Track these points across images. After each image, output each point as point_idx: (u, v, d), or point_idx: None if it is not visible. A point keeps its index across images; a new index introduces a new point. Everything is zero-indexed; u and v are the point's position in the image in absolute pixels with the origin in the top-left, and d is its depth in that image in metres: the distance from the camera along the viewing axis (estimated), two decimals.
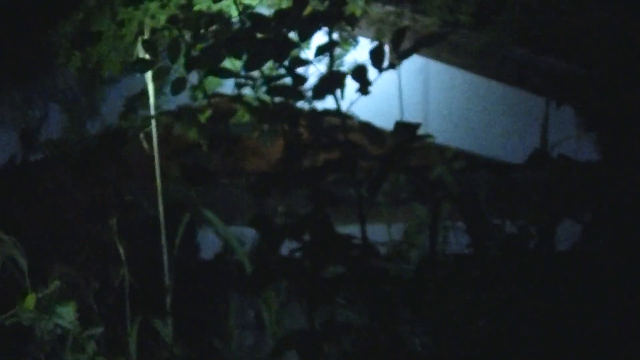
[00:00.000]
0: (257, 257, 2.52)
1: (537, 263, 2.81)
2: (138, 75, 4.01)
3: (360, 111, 2.59)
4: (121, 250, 3.90)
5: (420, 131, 4.52)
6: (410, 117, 5.38)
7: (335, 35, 3.16)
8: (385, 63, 2.50)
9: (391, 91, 5.77)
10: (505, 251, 2.80)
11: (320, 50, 2.54)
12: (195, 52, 2.45)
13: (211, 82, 3.50)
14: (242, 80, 2.44)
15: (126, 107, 4.25)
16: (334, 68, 2.53)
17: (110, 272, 3.88)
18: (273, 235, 2.43)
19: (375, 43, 2.54)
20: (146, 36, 3.67)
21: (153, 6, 3.68)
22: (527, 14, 4.17)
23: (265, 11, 2.77)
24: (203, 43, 2.46)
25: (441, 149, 3.73)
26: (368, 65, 2.51)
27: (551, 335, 2.62)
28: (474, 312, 2.71)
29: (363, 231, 2.53)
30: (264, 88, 2.42)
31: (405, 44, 2.58)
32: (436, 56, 4.86)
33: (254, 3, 3.50)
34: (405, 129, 2.39)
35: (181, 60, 2.52)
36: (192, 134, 3.23)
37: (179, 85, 2.57)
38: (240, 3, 2.90)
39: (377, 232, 3.15)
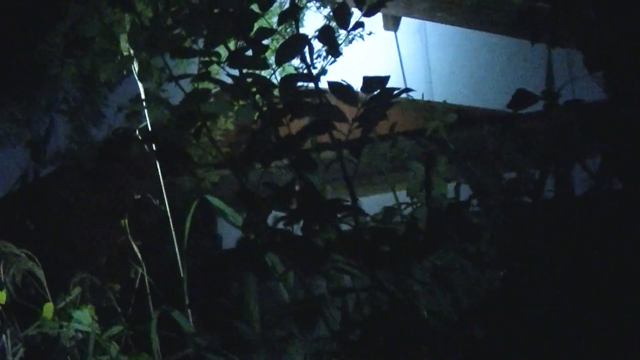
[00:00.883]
0: (244, 230, 2.49)
1: (555, 209, 2.75)
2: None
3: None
4: (136, 250, 3.92)
5: (425, 95, 4.45)
6: (414, 83, 5.35)
7: None
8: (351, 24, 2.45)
9: (394, 58, 5.73)
10: (511, 198, 2.75)
11: (284, 17, 2.51)
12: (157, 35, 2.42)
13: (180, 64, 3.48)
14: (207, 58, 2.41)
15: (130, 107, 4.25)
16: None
17: (128, 272, 3.90)
18: (259, 207, 2.42)
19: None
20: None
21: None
22: None
23: None
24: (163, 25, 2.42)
25: (446, 108, 3.68)
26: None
27: (562, 283, 2.56)
28: (481, 264, 2.66)
29: (352, 194, 2.49)
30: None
31: None
32: (432, 16, 4.81)
33: None
34: (374, 83, 2.34)
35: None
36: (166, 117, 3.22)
37: (145, 73, 2.54)
38: None
39: (387, 201, 3.12)
